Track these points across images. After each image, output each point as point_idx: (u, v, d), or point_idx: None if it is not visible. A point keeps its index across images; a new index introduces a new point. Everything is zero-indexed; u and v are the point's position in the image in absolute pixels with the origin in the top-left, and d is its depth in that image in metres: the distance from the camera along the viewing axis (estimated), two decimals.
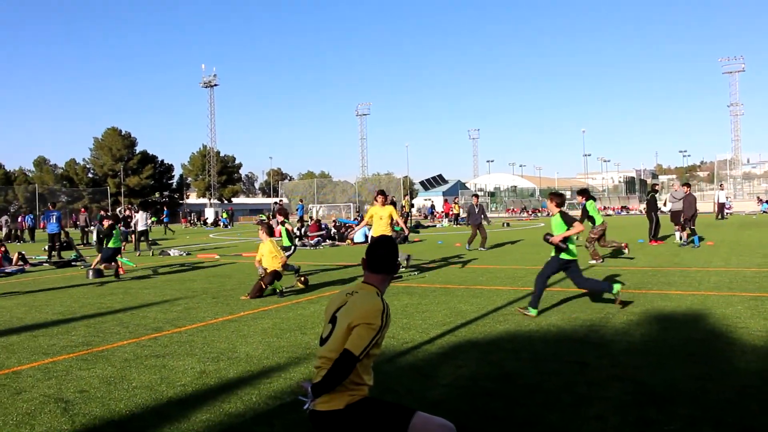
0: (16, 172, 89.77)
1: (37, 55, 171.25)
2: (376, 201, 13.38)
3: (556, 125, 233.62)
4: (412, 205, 38.96)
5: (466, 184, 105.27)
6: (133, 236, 25.20)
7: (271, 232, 11.60)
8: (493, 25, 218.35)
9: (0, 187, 78.25)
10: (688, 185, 21.08)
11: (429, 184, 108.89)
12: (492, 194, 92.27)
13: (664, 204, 21.96)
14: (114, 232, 15.38)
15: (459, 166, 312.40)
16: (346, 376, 3.42)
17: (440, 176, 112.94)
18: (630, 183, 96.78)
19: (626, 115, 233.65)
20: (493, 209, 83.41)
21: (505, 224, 42.02)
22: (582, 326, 7.68)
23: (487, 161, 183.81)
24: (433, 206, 61.11)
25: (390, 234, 12.58)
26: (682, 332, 7.24)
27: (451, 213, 46.44)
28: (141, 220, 24.05)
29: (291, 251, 13.45)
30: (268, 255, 11.10)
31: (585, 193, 16.41)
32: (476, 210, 21.47)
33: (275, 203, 39.29)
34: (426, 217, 57.77)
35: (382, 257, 3.80)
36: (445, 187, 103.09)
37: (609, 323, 7.80)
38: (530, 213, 66.35)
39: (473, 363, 6.12)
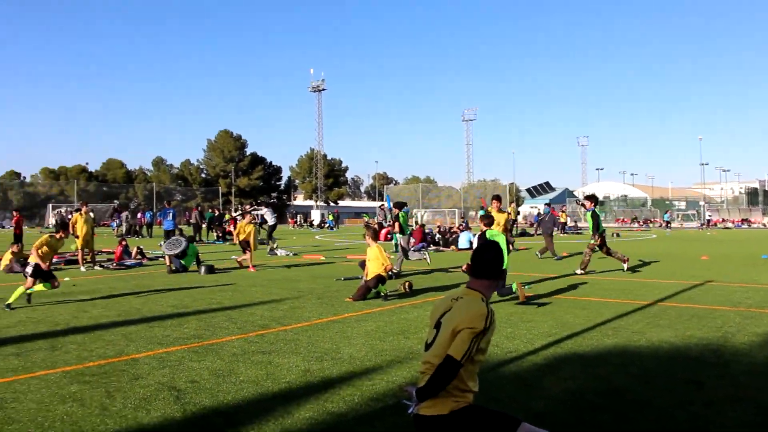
0: (136, 171, 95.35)
1: (157, 60, 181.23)
2: (491, 206, 13.35)
3: (670, 132, 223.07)
4: (518, 213, 38.38)
5: (574, 192, 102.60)
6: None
7: (376, 237, 11.72)
8: (602, 30, 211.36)
9: (122, 185, 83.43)
10: None
11: (535, 191, 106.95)
12: (601, 203, 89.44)
13: None
14: (190, 250, 16.31)
15: (567, 174, 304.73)
16: (449, 381, 3.40)
17: (547, 183, 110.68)
18: (752, 194, 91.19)
19: (748, 121, 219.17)
20: (602, 219, 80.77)
21: (614, 235, 40.59)
22: (697, 344, 7.28)
23: (597, 169, 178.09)
24: (539, 214, 59.78)
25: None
26: None
27: (557, 222, 45.32)
28: (269, 215, 24.79)
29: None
30: (374, 260, 11.19)
31: (593, 198, 15.96)
32: (546, 218, 21.62)
33: (380, 207, 39.58)
34: (532, 225, 56.64)
35: (486, 262, 3.77)
36: (551, 195, 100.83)
37: (728, 342, 7.35)
38: (641, 223, 63.78)
39: (579, 376, 5.93)
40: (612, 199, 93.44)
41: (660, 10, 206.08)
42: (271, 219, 24.59)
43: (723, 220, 70.31)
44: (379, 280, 11.01)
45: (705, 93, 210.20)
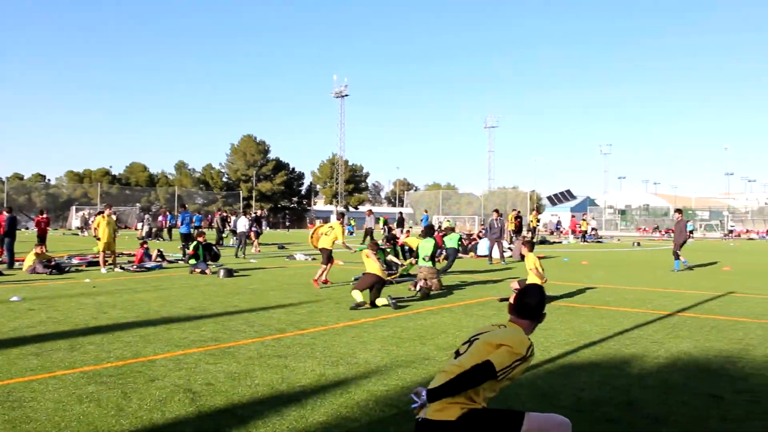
0: (158, 175, 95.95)
1: (180, 67, 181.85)
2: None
3: (695, 141, 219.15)
4: (538, 220, 38.09)
5: (596, 201, 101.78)
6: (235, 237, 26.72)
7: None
8: (626, 37, 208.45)
9: (144, 189, 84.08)
10: (680, 211, 21.28)
11: (557, 199, 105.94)
12: (623, 212, 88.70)
13: None
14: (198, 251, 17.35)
15: (589, 182, 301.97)
16: (473, 385, 3.42)
17: (568, 191, 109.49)
18: None
19: None
20: (623, 227, 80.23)
21: (635, 244, 40.25)
22: (717, 356, 7.19)
23: (619, 177, 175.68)
24: (559, 222, 59.43)
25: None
26: None
27: (578, 230, 45.00)
28: (241, 223, 25.25)
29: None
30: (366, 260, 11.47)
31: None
32: (496, 225, 22.37)
33: (400, 213, 39.61)
34: (552, 233, 56.35)
35: (528, 306, 3.92)
36: (573, 203, 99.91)
37: (749, 355, 7.25)
38: (663, 233, 63.14)
39: (595, 386, 5.87)
40: (633, 208, 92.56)
41: (686, 17, 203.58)
42: (241, 227, 25.23)
43: (747, 231, 69.42)
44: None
45: (731, 102, 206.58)
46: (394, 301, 10.63)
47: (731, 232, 65.25)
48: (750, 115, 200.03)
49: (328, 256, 14.32)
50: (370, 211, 28.65)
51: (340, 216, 15.89)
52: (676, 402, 5.42)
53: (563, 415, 4.86)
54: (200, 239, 18.07)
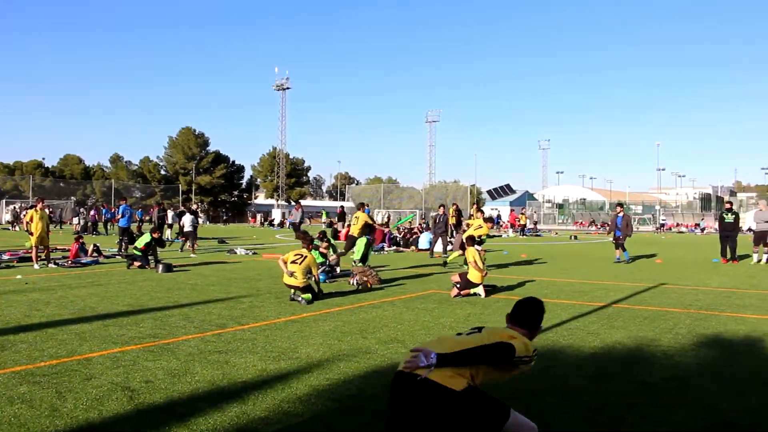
0: (94, 167, 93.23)
1: (117, 56, 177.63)
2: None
3: (629, 137, 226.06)
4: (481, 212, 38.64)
5: (534, 195, 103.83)
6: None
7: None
8: (563, 34, 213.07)
9: (80, 182, 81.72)
10: (621, 205, 22.29)
11: (496, 193, 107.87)
12: (560, 206, 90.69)
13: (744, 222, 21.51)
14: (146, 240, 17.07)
15: (528, 177, 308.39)
16: (489, 360, 3.46)
17: (508, 186, 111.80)
18: (706, 200, 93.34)
19: (704, 128, 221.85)
20: (561, 221, 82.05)
21: (572, 237, 41.22)
22: (649, 345, 7.44)
23: (557, 172, 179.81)
24: (499, 216, 60.28)
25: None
26: (759, 358, 6.93)
27: (517, 223, 45.82)
28: (187, 220, 24.92)
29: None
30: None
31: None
32: (441, 220, 22.74)
33: (341, 207, 39.62)
34: (492, 227, 57.17)
35: (526, 315, 3.96)
36: (512, 197, 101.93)
37: (678, 343, 7.53)
38: (599, 226, 64.79)
39: (535, 377, 5.99)
40: (571, 202, 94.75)
41: (620, 15, 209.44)
42: (187, 226, 24.85)
43: (677, 225, 71.86)
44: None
45: (664, 99, 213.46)
46: (301, 298, 10.42)
47: (662, 225, 67.48)
48: (680, 113, 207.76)
49: (351, 243, 16.01)
50: (299, 204, 28.56)
51: (361, 206, 17.28)
52: (612, 390, 5.59)
53: None
54: (155, 235, 17.48)
